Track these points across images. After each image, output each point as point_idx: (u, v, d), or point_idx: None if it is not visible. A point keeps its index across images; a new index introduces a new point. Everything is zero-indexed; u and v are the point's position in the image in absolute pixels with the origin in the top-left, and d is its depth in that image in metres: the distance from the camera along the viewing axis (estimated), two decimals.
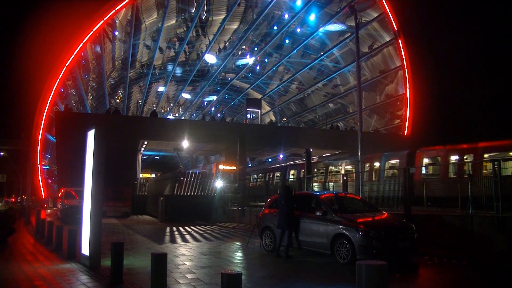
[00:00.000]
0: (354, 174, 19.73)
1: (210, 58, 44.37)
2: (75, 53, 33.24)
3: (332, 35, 39.03)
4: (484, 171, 14.94)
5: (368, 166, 19.84)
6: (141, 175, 34.63)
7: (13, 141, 42.51)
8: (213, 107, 58.99)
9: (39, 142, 35.88)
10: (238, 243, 12.25)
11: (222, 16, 38.41)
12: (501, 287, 7.38)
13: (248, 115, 39.16)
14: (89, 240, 8.04)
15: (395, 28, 34.42)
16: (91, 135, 8.37)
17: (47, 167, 40.52)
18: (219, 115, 53.40)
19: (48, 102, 34.21)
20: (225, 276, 3.99)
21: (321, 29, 37.71)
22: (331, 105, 45.57)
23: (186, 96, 54.83)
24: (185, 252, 10.40)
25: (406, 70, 35.48)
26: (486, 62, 34.01)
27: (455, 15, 35.14)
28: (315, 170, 23.30)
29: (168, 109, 57.49)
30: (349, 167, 22.01)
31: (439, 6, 34.17)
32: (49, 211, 30.67)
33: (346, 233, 8.63)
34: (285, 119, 53.31)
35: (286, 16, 38.81)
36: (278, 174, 27.84)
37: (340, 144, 31.71)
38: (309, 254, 9.85)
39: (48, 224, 12.68)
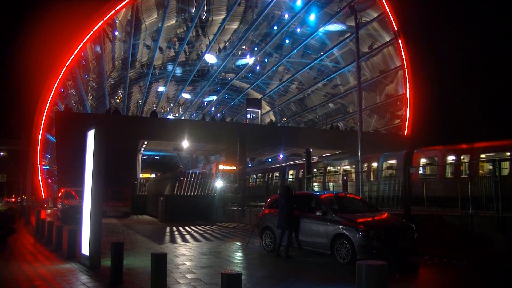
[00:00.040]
0: (352, 174, 19.80)
1: (210, 58, 44.37)
2: (75, 53, 33.25)
3: (332, 35, 39.04)
4: (480, 171, 15.02)
5: (366, 167, 19.87)
6: (141, 175, 34.63)
7: (13, 141, 42.53)
8: (213, 107, 58.98)
9: (39, 142, 35.88)
10: (238, 243, 12.25)
11: (222, 16, 38.41)
12: (501, 287, 7.38)
13: (248, 115, 39.16)
14: (89, 240, 8.04)
15: (395, 28, 34.42)
16: (91, 135, 8.37)
17: (47, 167, 40.52)
18: (219, 115, 53.41)
19: (48, 102, 34.21)
20: (225, 276, 3.99)
21: (321, 29, 37.71)
22: (331, 105, 45.58)
23: (186, 96, 54.83)
24: (185, 252, 10.40)
25: (406, 70, 35.48)
26: (486, 62, 34.05)
27: (455, 15, 35.19)
28: (315, 170, 23.31)
29: (168, 109, 57.48)
30: (348, 167, 22.04)
31: (439, 6, 34.21)
32: (49, 211, 30.67)
33: (346, 233, 8.63)
34: (285, 119, 53.32)
35: (286, 16, 38.80)
36: (277, 174, 27.89)
37: (340, 144, 31.72)
38: (309, 254, 9.84)
39: (48, 224, 12.67)
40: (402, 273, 7.76)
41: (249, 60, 44.82)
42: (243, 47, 43.79)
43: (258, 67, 47.72)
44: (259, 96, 49.90)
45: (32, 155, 35.94)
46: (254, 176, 31.22)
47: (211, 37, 40.67)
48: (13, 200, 66.07)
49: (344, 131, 36.87)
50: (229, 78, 50.18)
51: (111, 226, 17.44)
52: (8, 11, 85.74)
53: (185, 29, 39.96)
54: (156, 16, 37.68)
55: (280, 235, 9.73)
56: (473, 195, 10.85)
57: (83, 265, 8.35)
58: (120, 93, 48.35)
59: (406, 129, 36.13)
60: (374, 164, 20.01)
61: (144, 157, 45.65)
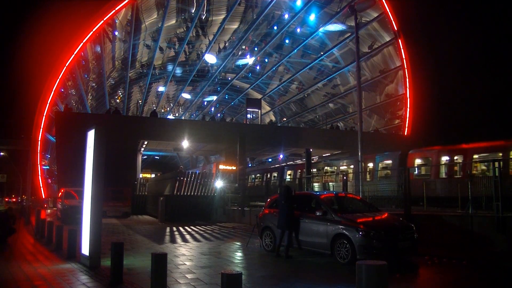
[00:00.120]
0: (351, 174, 19.87)
1: (210, 58, 44.36)
2: (75, 53, 33.23)
3: (332, 35, 39.03)
4: (473, 172, 15.13)
5: (362, 167, 20.03)
6: (141, 175, 34.62)
7: (13, 141, 42.56)
8: (213, 107, 58.98)
9: (39, 142, 35.85)
10: (238, 243, 12.25)
11: (222, 16, 38.41)
12: (501, 287, 7.38)
13: (248, 115, 39.14)
14: (89, 240, 8.04)
15: (395, 28, 34.41)
16: (91, 135, 8.37)
17: (47, 167, 40.49)
18: (219, 115, 53.39)
19: (48, 102, 34.18)
20: (225, 276, 3.99)
21: (321, 29, 37.70)
22: (331, 105, 45.57)
23: (186, 96, 54.82)
24: (185, 252, 10.40)
25: (406, 70, 35.46)
26: (486, 62, 34.08)
27: (455, 15, 35.22)
28: (314, 170, 23.35)
29: (168, 109, 57.47)
30: (346, 167, 22.13)
31: (439, 6, 34.25)
32: (49, 211, 30.68)
33: (346, 233, 8.63)
34: (285, 119, 53.31)
35: (286, 16, 38.80)
36: (275, 174, 27.97)
37: (340, 144, 31.71)
38: (309, 254, 9.84)
39: (48, 224, 12.68)
40: (402, 273, 7.76)
41: (249, 60, 44.81)
42: (243, 47, 43.79)
43: (258, 67, 47.72)
44: (259, 96, 49.89)
45: (32, 155, 35.94)
46: (252, 176, 31.29)
47: (211, 37, 40.67)
48: (13, 200, 66.05)
49: (344, 131, 36.86)
50: (229, 78, 50.18)
51: (111, 226, 17.44)
52: (8, 11, 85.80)
53: (185, 29, 39.96)
54: (156, 16, 37.68)
55: (280, 235, 9.73)
56: (472, 195, 10.87)
57: (83, 265, 8.35)
58: (120, 93, 48.33)
59: (406, 129, 36.12)
60: (370, 165, 20.14)
61: (144, 157, 45.66)
